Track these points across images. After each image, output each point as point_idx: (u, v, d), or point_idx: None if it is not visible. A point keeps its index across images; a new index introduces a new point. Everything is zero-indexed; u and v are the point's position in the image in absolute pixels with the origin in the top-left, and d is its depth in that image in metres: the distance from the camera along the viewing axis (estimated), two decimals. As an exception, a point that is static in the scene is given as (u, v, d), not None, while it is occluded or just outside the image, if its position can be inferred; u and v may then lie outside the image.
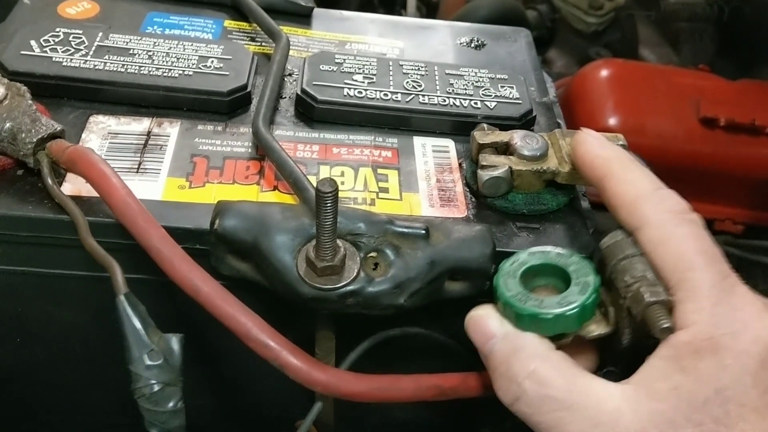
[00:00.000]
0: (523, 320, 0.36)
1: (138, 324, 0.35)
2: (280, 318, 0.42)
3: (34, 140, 0.40)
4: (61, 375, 0.49)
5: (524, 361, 0.34)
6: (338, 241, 0.38)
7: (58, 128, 0.41)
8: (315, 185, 0.35)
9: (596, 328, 0.37)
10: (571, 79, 1.05)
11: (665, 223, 0.35)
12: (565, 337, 0.36)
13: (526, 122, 0.50)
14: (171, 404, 0.36)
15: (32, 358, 0.48)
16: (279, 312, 0.41)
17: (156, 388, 0.35)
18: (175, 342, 0.36)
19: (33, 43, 0.48)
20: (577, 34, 1.26)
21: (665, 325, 0.33)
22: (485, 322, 0.36)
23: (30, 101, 0.42)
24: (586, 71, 1.02)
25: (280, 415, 0.50)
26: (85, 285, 0.43)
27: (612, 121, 0.94)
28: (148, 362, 0.35)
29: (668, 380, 0.32)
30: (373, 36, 0.59)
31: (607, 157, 0.39)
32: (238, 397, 0.51)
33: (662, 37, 1.24)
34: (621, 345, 0.37)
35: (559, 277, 0.38)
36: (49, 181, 0.40)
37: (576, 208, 0.45)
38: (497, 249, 0.40)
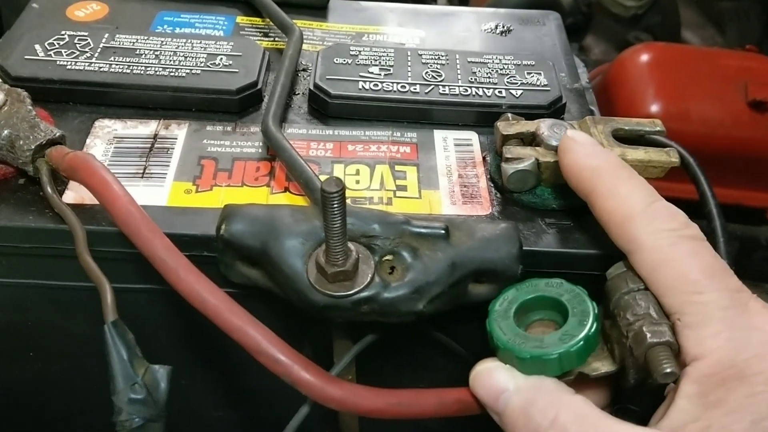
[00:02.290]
0: (526, 364, 0.33)
1: (124, 354, 0.33)
2: (296, 329, 0.39)
3: (32, 147, 0.38)
4: (76, 388, 0.47)
5: (545, 410, 0.31)
6: (350, 245, 0.35)
7: (57, 134, 0.39)
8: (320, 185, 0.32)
9: (601, 366, 0.34)
10: (609, 66, 1.01)
11: (660, 243, 0.32)
12: (569, 375, 0.34)
13: (555, 111, 0.46)
14: None
15: (47, 371, 0.46)
16: (295, 322, 0.39)
17: (137, 423, 0.33)
18: (162, 374, 0.34)
19: (37, 47, 0.47)
20: (615, 18, 1.21)
21: (667, 370, 0.31)
22: (493, 377, 0.34)
23: (30, 107, 0.40)
24: (625, 56, 0.98)
25: (301, 429, 0.48)
26: (94, 296, 0.41)
27: (654, 108, 0.90)
28: (131, 395, 0.33)
29: (699, 420, 0.29)
30: (392, 26, 0.56)
31: (594, 168, 0.36)
32: (256, 409, 0.48)
33: (705, 19, 1.19)
34: (629, 384, 0.34)
35: (553, 309, 0.35)
36: (49, 189, 0.38)
37: (611, 201, 0.42)
38: (525, 248, 0.37)
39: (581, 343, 0.33)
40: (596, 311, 0.34)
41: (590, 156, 0.36)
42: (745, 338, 0.29)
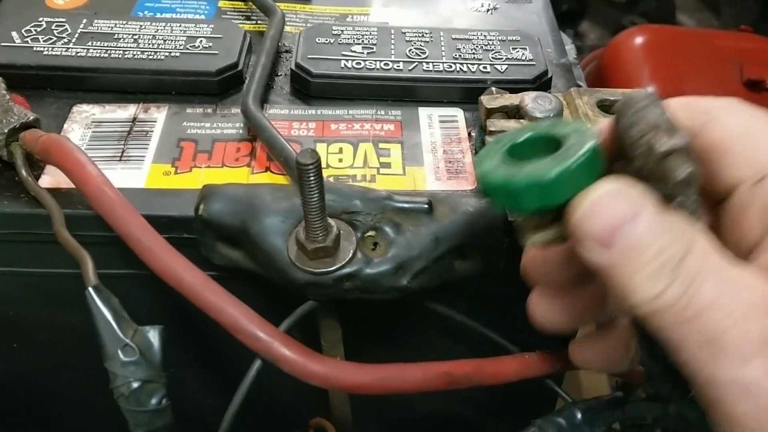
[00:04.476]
0: (520, 197, 0.26)
1: (110, 317, 0.32)
2: (282, 310, 0.39)
3: (6, 131, 0.37)
4: (63, 379, 0.47)
5: (676, 241, 0.25)
6: (331, 221, 0.35)
7: (32, 117, 0.38)
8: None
9: None
10: (604, 50, 1.00)
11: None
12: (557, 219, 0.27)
13: (541, 85, 0.45)
14: (154, 402, 0.33)
15: (32, 363, 0.46)
16: (281, 303, 0.38)
17: (134, 386, 0.32)
18: (153, 335, 0.33)
19: (14, 34, 0.46)
20: (610, 3, 1.21)
21: (686, 171, 0.25)
22: (615, 203, 0.25)
23: (4, 92, 0.39)
24: (620, 39, 0.97)
25: (292, 412, 0.47)
26: (77, 283, 0.41)
27: (649, 90, 0.89)
28: (123, 358, 0.32)
29: None
30: (376, 6, 0.55)
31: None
32: (249, 396, 0.48)
33: (700, 2, 1.18)
34: None
35: (555, 149, 0.28)
36: (24, 172, 0.37)
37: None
38: (509, 220, 0.37)
39: (583, 158, 0.26)
40: (596, 142, 0.26)
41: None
42: None
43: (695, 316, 0.24)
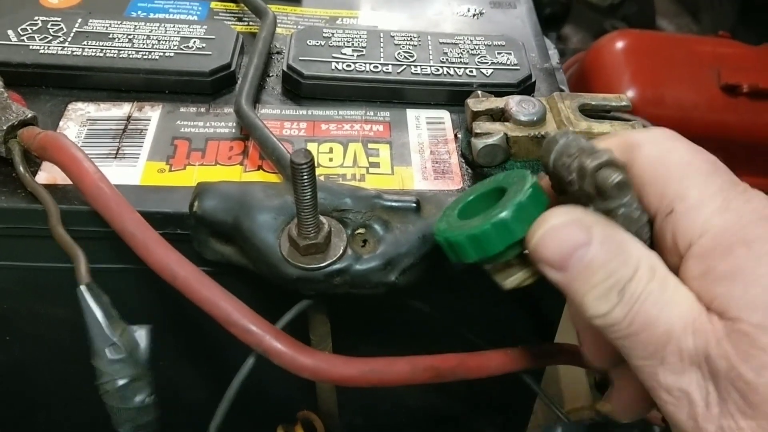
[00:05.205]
0: (465, 247, 0.30)
1: (99, 316, 0.33)
2: (272, 306, 0.40)
3: (4, 128, 0.38)
4: (54, 373, 0.47)
5: (627, 262, 0.28)
6: (322, 218, 0.36)
7: (29, 115, 0.39)
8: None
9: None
10: (585, 53, 1.02)
11: (659, 137, 0.30)
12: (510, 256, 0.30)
13: (525, 89, 0.47)
14: (138, 399, 0.34)
15: (24, 356, 0.47)
16: (270, 299, 0.40)
17: (120, 383, 0.33)
18: (141, 335, 0.34)
19: (10, 32, 0.47)
20: (592, 8, 1.23)
21: (619, 177, 0.27)
22: (567, 233, 0.28)
23: (2, 89, 0.40)
24: (601, 44, 0.99)
25: (279, 405, 0.48)
26: (69, 277, 0.42)
27: (629, 94, 0.91)
28: (111, 356, 0.33)
29: (716, 299, 0.27)
30: (365, 10, 0.56)
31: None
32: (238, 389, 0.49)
33: (680, 7, 1.20)
34: None
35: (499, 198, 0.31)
36: (21, 169, 0.38)
37: (580, 175, 0.43)
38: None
39: (514, 207, 0.29)
40: (535, 179, 0.30)
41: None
42: (741, 209, 0.27)
43: (639, 332, 0.27)
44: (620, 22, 1.20)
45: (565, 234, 0.28)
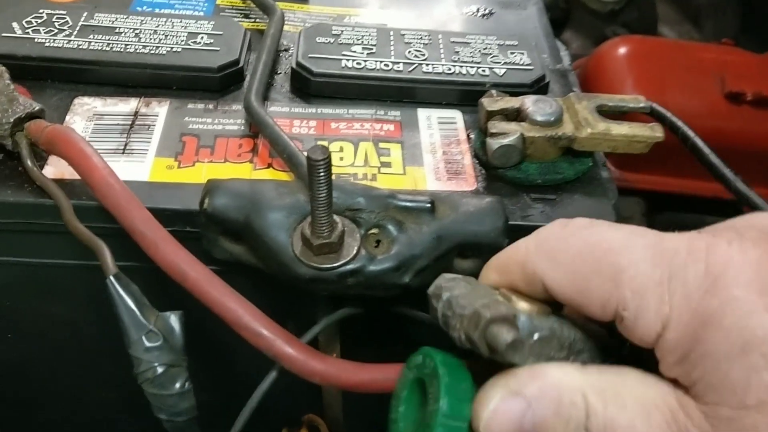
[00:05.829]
0: None
1: (132, 304, 0.33)
2: (281, 306, 0.39)
3: (11, 120, 0.37)
4: (58, 370, 0.46)
5: (573, 403, 0.27)
6: (336, 217, 0.35)
7: (37, 108, 0.38)
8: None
9: None
10: (587, 59, 1.01)
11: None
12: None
13: (538, 89, 0.46)
14: (177, 386, 0.33)
15: (27, 354, 0.46)
16: (279, 299, 0.39)
17: (159, 370, 0.33)
18: (174, 320, 0.34)
19: (15, 25, 0.46)
20: (593, 14, 1.22)
21: (509, 339, 0.25)
22: (506, 410, 0.27)
23: (8, 81, 0.39)
24: (603, 49, 0.98)
25: (285, 409, 0.47)
26: (74, 275, 0.41)
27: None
28: (147, 344, 0.32)
29: (698, 383, 0.26)
30: (373, 8, 0.56)
31: None
32: (241, 392, 0.48)
33: (682, 14, 1.20)
34: None
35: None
36: (29, 162, 0.37)
37: (596, 177, 0.42)
38: (510, 222, 0.37)
39: (441, 420, 0.27)
40: (447, 379, 0.27)
41: None
42: (687, 286, 0.26)
43: None
44: (621, 29, 1.19)
45: (502, 415, 0.27)
